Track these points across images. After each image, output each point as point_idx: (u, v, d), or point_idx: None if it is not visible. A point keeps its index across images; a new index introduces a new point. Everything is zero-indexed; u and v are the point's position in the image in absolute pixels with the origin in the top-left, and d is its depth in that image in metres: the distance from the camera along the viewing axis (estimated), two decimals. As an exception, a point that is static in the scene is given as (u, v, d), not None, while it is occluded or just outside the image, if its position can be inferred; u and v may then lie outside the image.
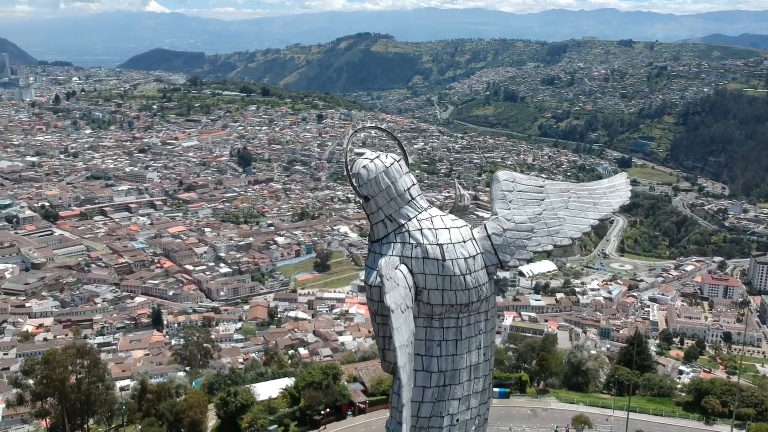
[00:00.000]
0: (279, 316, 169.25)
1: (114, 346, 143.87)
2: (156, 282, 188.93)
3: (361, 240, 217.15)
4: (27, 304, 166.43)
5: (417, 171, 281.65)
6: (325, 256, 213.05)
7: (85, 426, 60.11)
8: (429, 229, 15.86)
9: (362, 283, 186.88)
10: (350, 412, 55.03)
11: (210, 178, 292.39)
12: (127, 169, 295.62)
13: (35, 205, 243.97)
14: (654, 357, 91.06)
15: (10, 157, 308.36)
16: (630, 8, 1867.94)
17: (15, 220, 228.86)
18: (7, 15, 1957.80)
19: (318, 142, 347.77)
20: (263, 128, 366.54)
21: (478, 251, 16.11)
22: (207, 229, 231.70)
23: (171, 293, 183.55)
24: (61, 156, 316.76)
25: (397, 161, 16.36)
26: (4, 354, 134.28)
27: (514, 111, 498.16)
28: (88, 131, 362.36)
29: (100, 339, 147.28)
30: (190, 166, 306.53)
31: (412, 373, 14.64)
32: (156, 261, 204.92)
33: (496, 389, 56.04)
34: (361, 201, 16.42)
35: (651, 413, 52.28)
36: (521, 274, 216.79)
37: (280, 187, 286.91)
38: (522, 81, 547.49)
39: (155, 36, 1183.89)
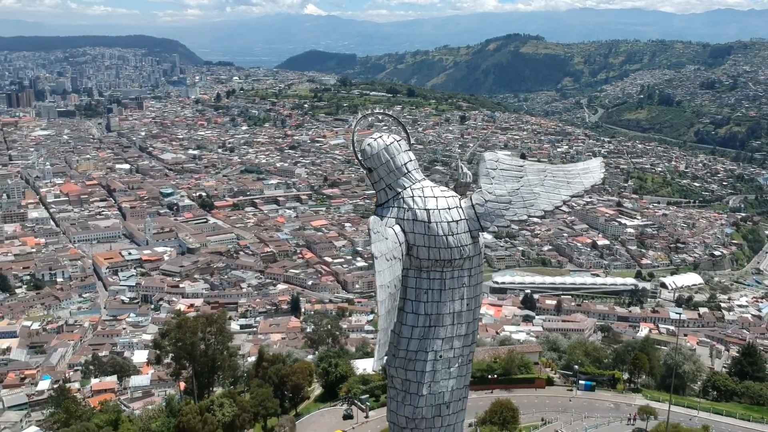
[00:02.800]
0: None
1: (255, 329, 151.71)
2: (297, 271, 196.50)
3: (495, 241, 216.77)
4: (181, 285, 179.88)
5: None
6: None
7: (211, 389, 65.85)
8: (419, 197, 19.13)
9: (494, 284, 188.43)
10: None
11: (353, 175, 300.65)
12: (278, 165, 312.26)
13: (194, 194, 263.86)
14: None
15: (175, 150, 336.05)
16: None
17: (176, 207, 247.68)
18: (179, 19, 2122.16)
19: (460, 143, 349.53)
20: (407, 128, 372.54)
21: (462, 217, 18.99)
22: (347, 224, 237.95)
23: (310, 283, 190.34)
24: (219, 150, 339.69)
25: (397, 141, 19.92)
26: (160, 329, 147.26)
27: (668, 115, 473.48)
28: (244, 128, 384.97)
29: (243, 321, 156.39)
30: (336, 163, 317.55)
31: (393, 310, 17.50)
32: (298, 252, 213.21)
33: (581, 382, 57.24)
34: (365, 172, 19.98)
35: (737, 417, 51.38)
36: (663, 285, 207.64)
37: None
38: (679, 84, 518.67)
39: (311, 38, 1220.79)
